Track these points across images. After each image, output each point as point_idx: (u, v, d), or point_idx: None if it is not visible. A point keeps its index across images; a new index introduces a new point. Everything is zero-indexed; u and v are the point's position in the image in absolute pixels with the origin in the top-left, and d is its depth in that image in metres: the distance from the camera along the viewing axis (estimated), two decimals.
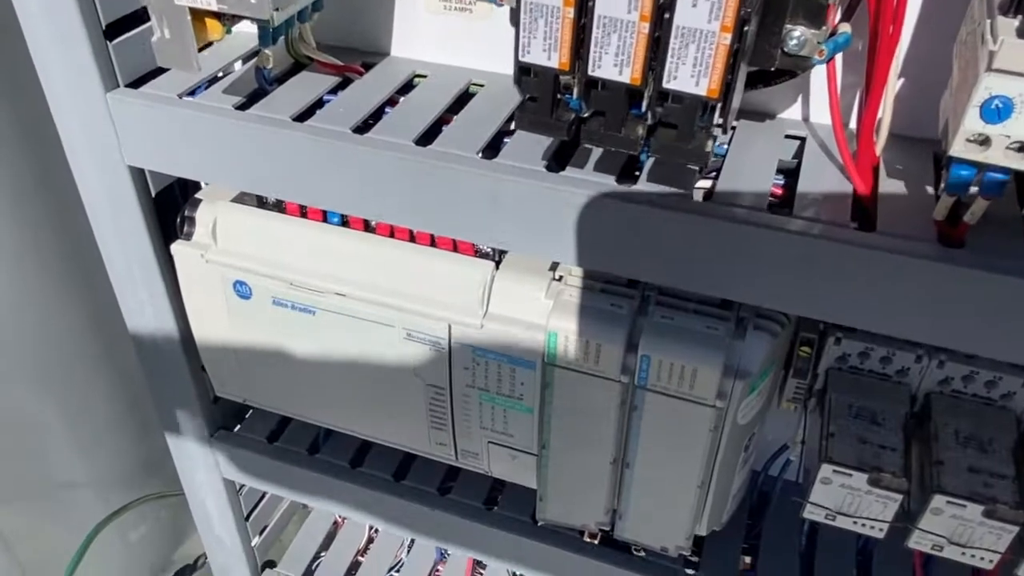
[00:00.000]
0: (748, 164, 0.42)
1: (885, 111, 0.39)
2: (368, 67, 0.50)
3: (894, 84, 0.38)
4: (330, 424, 0.58)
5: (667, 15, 0.28)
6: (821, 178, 0.41)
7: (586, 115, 0.32)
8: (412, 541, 0.79)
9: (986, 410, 0.46)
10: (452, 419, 0.51)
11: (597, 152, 0.40)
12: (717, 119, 0.31)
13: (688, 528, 0.49)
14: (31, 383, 0.67)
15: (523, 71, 0.31)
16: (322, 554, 0.79)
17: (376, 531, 0.80)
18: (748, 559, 0.59)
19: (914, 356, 0.47)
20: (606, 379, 0.44)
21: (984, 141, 0.31)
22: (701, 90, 0.29)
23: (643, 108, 0.31)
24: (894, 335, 0.39)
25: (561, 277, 0.46)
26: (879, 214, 0.38)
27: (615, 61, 0.29)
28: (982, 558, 0.43)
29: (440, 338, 0.48)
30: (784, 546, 0.58)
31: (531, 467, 0.52)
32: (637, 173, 0.40)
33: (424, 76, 0.50)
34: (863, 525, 0.45)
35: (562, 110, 0.32)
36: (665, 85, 0.29)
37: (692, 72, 0.29)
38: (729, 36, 0.28)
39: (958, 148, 0.32)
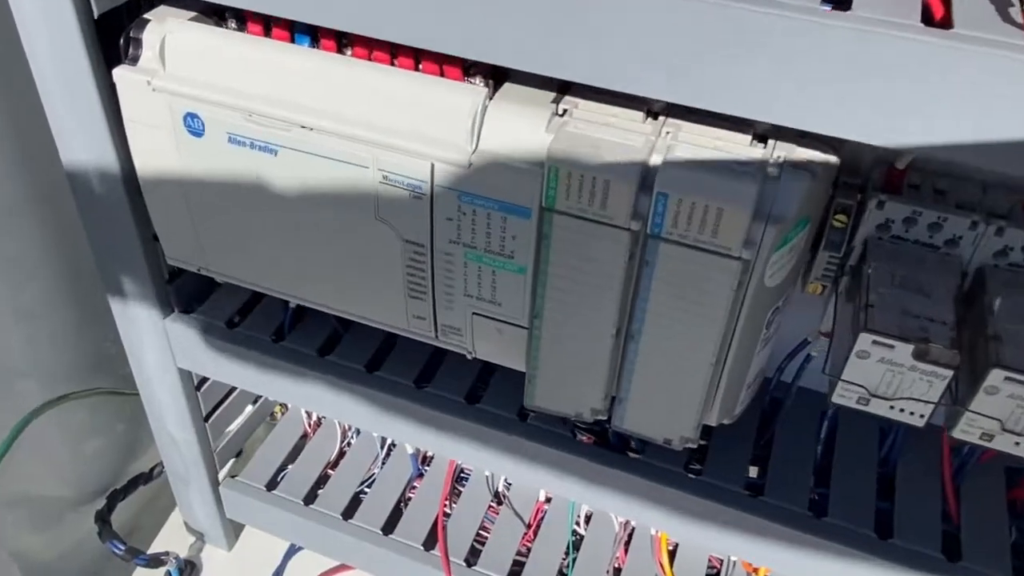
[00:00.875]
0: None
1: None
2: None
3: None
4: (294, 296, 0.51)
5: None
6: None
7: None
8: (387, 455, 0.73)
9: None
10: (432, 285, 0.45)
11: None
12: None
13: (696, 416, 0.43)
14: None
15: None
16: (288, 466, 0.73)
17: (348, 444, 0.74)
18: (755, 470, 0.53)
19: (968, 222, 0.40)
20: (614, 227, 0.38)
21: None
22: None
23: None
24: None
25: (566, 111, 0.39)
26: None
27: None
28: None
29: (421, 181, 0.41)
30: (797, 457, 0.52)
31: (520, 344, 0.45)
32: None
33: None
34: (902, 410, 0.39)
35: None
36: None
37: None
38: None
39: None
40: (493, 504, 0.70)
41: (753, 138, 0.37)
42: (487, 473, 0.69)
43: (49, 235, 0.63)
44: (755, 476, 0.52)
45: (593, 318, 0.41)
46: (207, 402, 0.66)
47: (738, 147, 0.37)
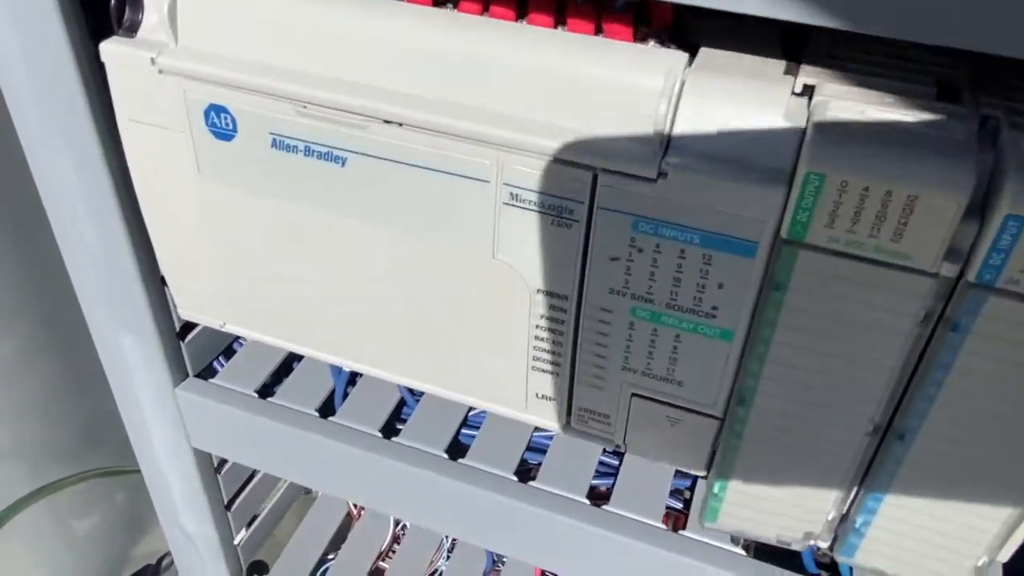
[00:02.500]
0: None
1: None
2: None
3: None
4: (355, 362, 0.36)
5: None
6: None
7: None
8: (453, 542, 0.58)
9: None
10: (573, 353, 0.30)
11: None
12: None
13: (988, 551, 0.28)
14: None
15: None
16: (331, 556, 0.58)
17: (403, 529, 0.59)
18: None
19: None
20: (907, 271, 0.23)
21: None
22: None
23: None
24: None
25: (811, 88, 0.25)
26: None
27: None
28: None
29: (573, 200, 0.26)
30: None
31: (704, 440, 0.31)
32: None
33: None
34: None
35: None
36: None
37: None
38: None
39: None
40: None
41: None
42: None
43: (23, 277, 0.49)
44: None
45: (841, 407, 0.27)
46: (229, 486, 0.52)
47: None
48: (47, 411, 0.54)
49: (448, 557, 0.57)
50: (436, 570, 0.57)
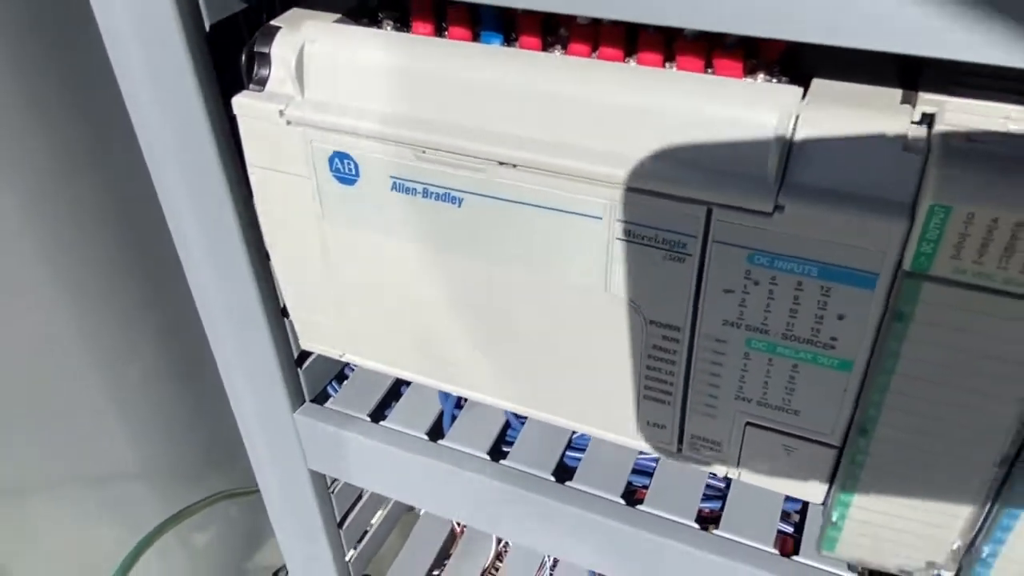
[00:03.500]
0: None
1: None
2: None
3: None
4: (470, 390, 0.38)
5: None
6: None
7: None
8: (555, 559, 0.59)
9: None
10: (686, 384, 0.31)
11: None
12: None
13: None
14: (68, 354, 0.50)
15: None
16: (436, 572, 0.59)
17: (506, 547, 0.60)
18: None
19: None
20: (1013, 296, 0.23)
21: None
22: None
23: None
24: None
25: (931, 116, 0.24)
26: None
27: None
28: None
29: (689, 236, 0.27)
30: None
31: (821, 469, 0.30)
32: None
33: None
34: None
35: None
36: None
37: None
38: None
39: None
40: None
41: None
42: None
43: (150, 310, 0.52)
44: None
45: (967, 439, 0.26)
46: (341, 504, 0.54)
47: None
48: (172, 436, 0.57)
49: (552, 572, 0.58)
50: None
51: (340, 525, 0.54)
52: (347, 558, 0.57)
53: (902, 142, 0.24)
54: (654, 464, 0.42)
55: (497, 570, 0.59)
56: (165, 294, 0.53)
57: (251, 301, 0.40)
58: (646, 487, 0.41)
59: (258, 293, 0.40)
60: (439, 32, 0.30)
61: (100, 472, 0.58)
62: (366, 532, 0.58)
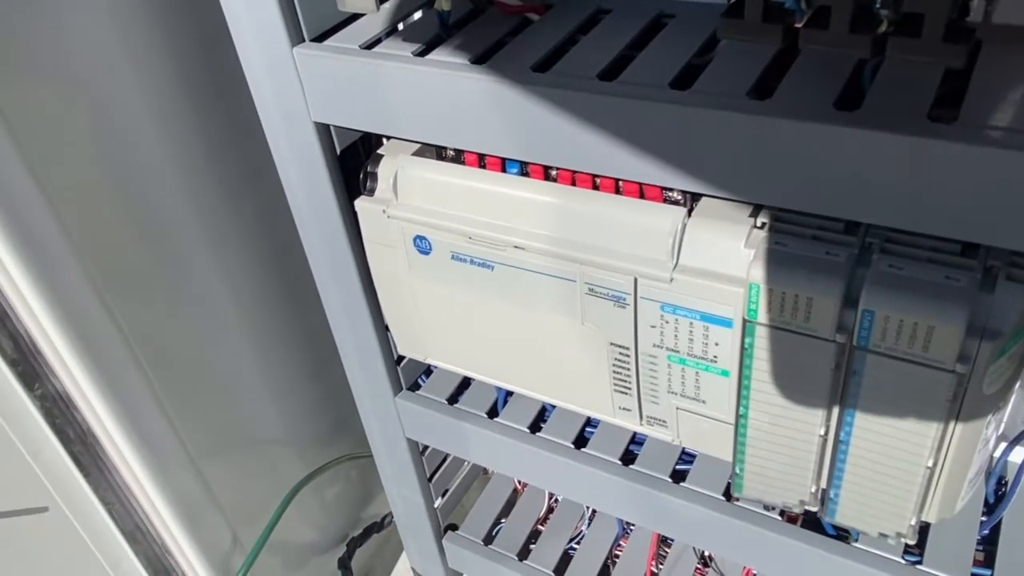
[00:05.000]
0: (993, 73, 0.34)
1: None
2: (549, 6, 0.47)
3: None
4: (508, 385, 0.56)
5: None
6: None
7: (805, 17, 0.27)
8: (593, 512, 0.76)
9: None
10: (637, 382, 0.48)
11: (808, 78, 0.35)
12: (975, 8, 0.25)
13: (912, 515, 0.43)
14: (239, 347, 0.71)
15: None
16: (503, 520, 0.78)
17: (556, 500, 0.78)
18: (982, 554, 0.51)
19: None
20: (818, 339, 0.39)
21: None
22: None
23: (878, 3, 0.26)
24: None
25: (764, 224, 0.41)
26: None
27: None
28: None
29: (625, 293, 0.44)
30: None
31: (726, 438, 0.47)
32: (858, 104, 0.34)
33: (608, 11, 0.47)
34: None
35: (775, 12, 0.27)
36: None
37: None
38: None
39: None
40: (700, 567, 0.71)
41: (964, 248, 0.37)
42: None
43: (299, 328, 0.73)
44: (980, 564, 0.49)
45: (799, 421, 0.42)
46: (430, 464, 0.73)
47: (948, 257, 0.37)
48: (309, 413, 0.78)
49: (589, 523, 0.76)
50: (579, 532, 0.75)
51: (430, 480, 0.74)
52: (436, 505, 0.76)
53: (744, 240, 0.41)
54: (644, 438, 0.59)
55: (549, 519, 0.77)
56: (308, 312, 0.73)
57: (366, 322, 0.60)
58: (637, 453, 0.58)
59: (371, 318, 0.59)
60: (481, 162, 0.48)
61: (256, 439, 0.79)
62: (448, 488, 0.77)
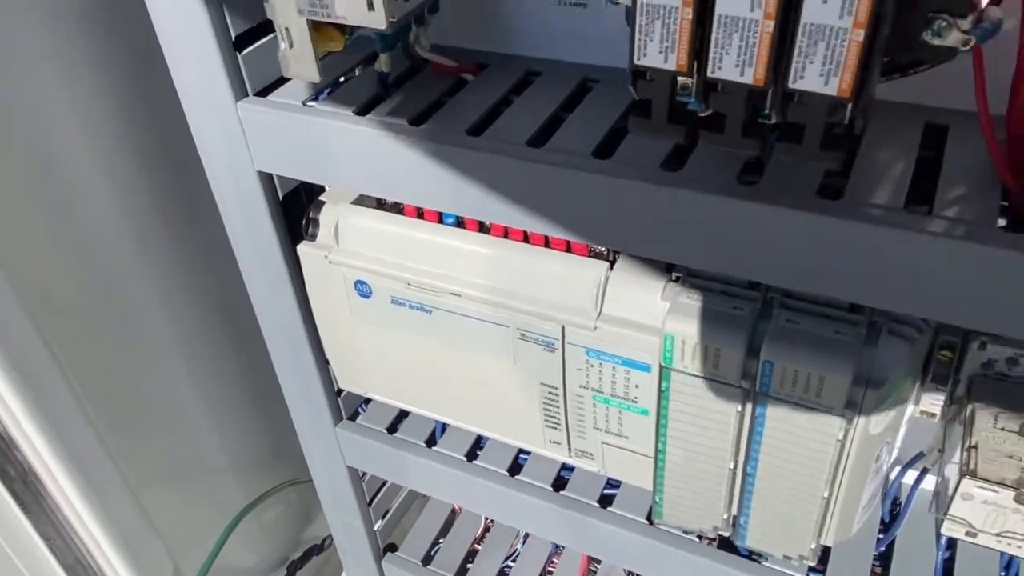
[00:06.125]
0: (883, 157, 0.39)
1: None
2: (482, 67, 0.51)
3: None
4: (445, 418, 0.59)
5: (794, 12, 0.26)
6: (966, 172, 0.38)
7: (704, 116, 0.31)
8: (527, 533, 0.79)
9: None
10: (566, 419, 0.51)
11: (715, 155, 0.38)
12: (848, 118, 0.29)
13: (812, 539, 0.47)
14: (178, 376, 0.72)
15: (638, 74, 0.30)
16: (440, 541, 0.81)
17: (491, 521, 0.81)
18: (879, 568, 0.56)
19: None
20: (725, 384, 0.43)
21: None
22: (831, 90, 0.27)
23: (767, 109, 0.30)
24: None
25: (678, 278, 0.45)
26: None
27: (737, 62, 0.28)
28: None
29: (553, 339, 0.47)
30: (920, 560, 0.54)
31: (647, 469, 0.51)
32: (758, 176, 0.38)
33: (538, 74, 0.50)
34: (1010, 544, 0.42)
35: (679, 112, 0.31)
36: (791, 85, 0.28)
37: (821, 71, 0.27)
38: (862, 32, 0.26)
39: None
40: None
41: (851, 309, 0.41)
42: None
43: (239, 359, 0.75)
44: None
45: (711, 456, 0.46)
46: (369, 489, 0.75)
47: (838, 312, 0.41)
48: (251, 441, 0.79)
49: (523, 543, 0.79)
50: (514, 551, 0.78)
51: (369, 504, 0.76)
52: (375, 528, 0.78)
53: (661, 293, 0.44)
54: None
55: (485, 539, 0.80)
56: (248, 342, 0.75)
57: (307, 357, 0.62)
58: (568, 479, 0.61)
59: (312, 354, 0.61)
60: (419, 212, 0.51)
61: (197, 468, 0.80)
62: (388, 510, 0.80)
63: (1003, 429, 0.43)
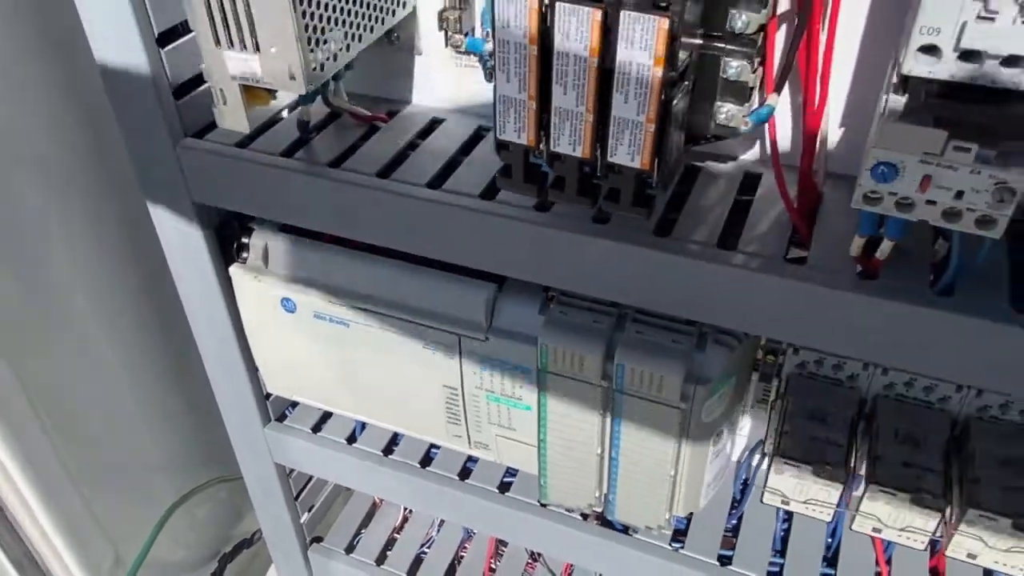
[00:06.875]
0: (706, 202, 0.49)
1: (820, 162, 0.46)
2: (393, 115, 0.59)
3: (825, 138, 0.45)
4: (364, 418, 0.67)
5: (608, 108, 0.36)
6: (768, 215, 0.48)
7: (553, 177, 0.40)
8: (441, 521, 0.88)
9: (924, 411, 0.53)
10: (465, 415, 0.60)
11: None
12: (655, 181, 0.39)
13: (664, 512, 0.57)
14: (117, 379, 0.78)
15: (501, 145, 0.39)
16: (362, 531, 0.88)
17: (409, 511, 0.89)
18: (732, 540, 0.66)
19: (861, 363, 0.54)
20: (589, 384, 0.52)
21: (877, 198, 0.38)
22: (636, 164, 0.37)
23: (597, 176, 0.39)
24: (823, 350, 0.46)
25: (553, 297, 0.54)
26: (812, 249, 0.45)
27: (570, 141, 0.37)
28: (914, 539, 0.50)
29: (452, 348, 0.56)
30: (763, 529, 0.65)
31: (534, 457, 0.60)
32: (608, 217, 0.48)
33: (442, 121, 0.59)
34: (812, 509, 0.53)
35: (534, 174, 0.40)
36: (609, 159, 0.37)
37: (628, 151, 0.36)
38: (653, 125, 0.35)
39: (857, 201, 0.39)
40: (530, 561, 0.84)
41: (686, 323, 0.51)
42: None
43: (173, 365, 0.81)
44: (727, 547, 0.65)
45: (582, 443, 0.56)
46: (296, 485, 0.83)
47: (676, 324, 0.51)
48: (183, 440, 0.86)
49: (439, 530, 0.87)
50: (430, 538, 0.87)
51: (296, 499, 0.83)
52: (302, 521, 0.85)
53: (538, 310, 0.54)
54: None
55: (403, 529, 0.88)
56: (182, 350, 0.81)
57: (238, 364, 0.69)
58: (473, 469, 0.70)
59: (242, 361, 0.68)
60: (339, 239, 0.59)
61: (135, 465, 0.85)
62: (314, 505, 0.87)
63: (811, 417, 0.53)
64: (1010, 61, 0.33)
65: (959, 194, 0.36)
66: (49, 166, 0.70)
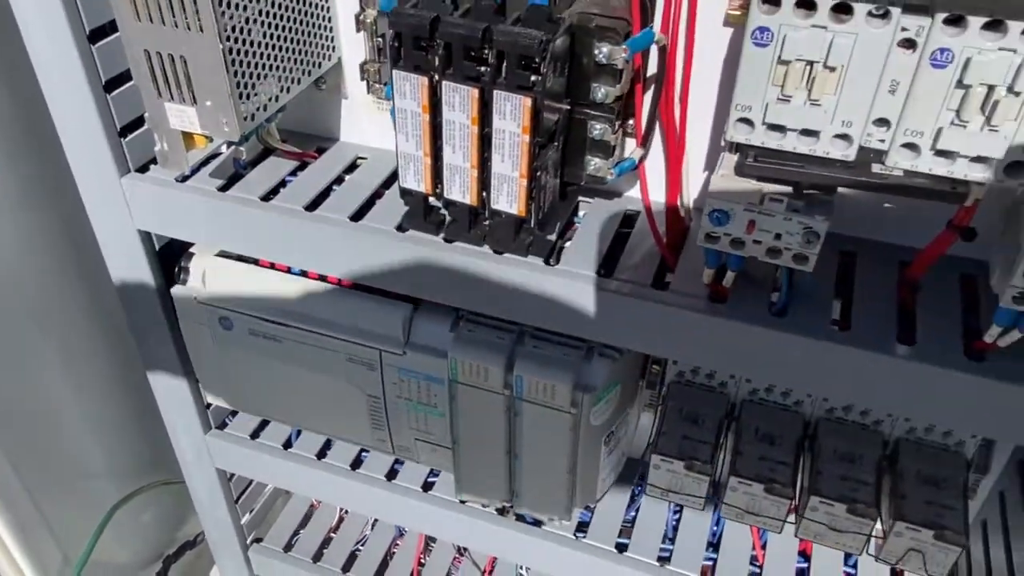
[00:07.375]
0: (591, 234, 0.57)
1: (683, 200, 0.54)
2: (322, 151, 0.66)
3: (687, 180, 0.54)
4: (296, 424, 0.73)
5: (489, 164, 0.43)
6: (642, 247, 0.56)
7: (450, 220, 0.47)
8: (375, 520, 0.94)
9: (777, 412, 0.61)
10: (387, 421, 0.67)
11: None
12: (534, 223, 0.46)
13: (566, 503, 0.65)
14: (61, 389, 0.83)
15: (405, 192, 0.47)
16: (301, 531, 0.94)
17: (345, 512, 0.96)
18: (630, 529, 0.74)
19: (728, 373, 0.62)
20: (493, 392, 0.60)
21: (715, 237, 0.46)
22: (514, 211, 0.44)
23: (484, 218, 0.47)
24: (685, 363, 0.54)
25: (462, 316, 0.61)
26: (676, 277, 0.53)
27: (460, 190, 0.45)
28: (769, 524, 0.59)
29: (374, 361, 0.63)
30: (657, 521, 0.73)
31: (449, 458, 0.67)
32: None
33: (365, 158, 0.65)
34: (687, 500, 0.61)
35: (435, 215, 0.47)
36: (493, 207, 0.45)
37: (507, 199, 0.44)
38: (526, 180, 0.43)
39: (700, 239, 0.47)
40: (457, 556, 0.91)
41: (577, 339, 0.59)
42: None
43: (118, 373, 0.86)
44: (624, 535, 0.73)
45: (490, 445, 0.63)
46: (237, 488, 0.88)
47: (567, 340, 0.59)
48: (126, 443, 0.91)
49: (372, 528, 0.94)
50: (364, 536, 0.93)
51: (237, 501, 0.89)
52: (243, 522, 0.91)
53: (449, 327, 0.61)
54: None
55: (338, 529, 0.94)
56: (128, 365, 0.86)
57: (180, 377, 0.74)
58: (399, 470, 0.77)
59: (184, 374, 0.74)
60: (272, 263, 0.65)
61: (80, 468, 0.90)
62: (254, 507, 0.93)
63: (684, 419, 0.61)
64: (806, 132, 0.41)
65: (778, 235, 0.45)
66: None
